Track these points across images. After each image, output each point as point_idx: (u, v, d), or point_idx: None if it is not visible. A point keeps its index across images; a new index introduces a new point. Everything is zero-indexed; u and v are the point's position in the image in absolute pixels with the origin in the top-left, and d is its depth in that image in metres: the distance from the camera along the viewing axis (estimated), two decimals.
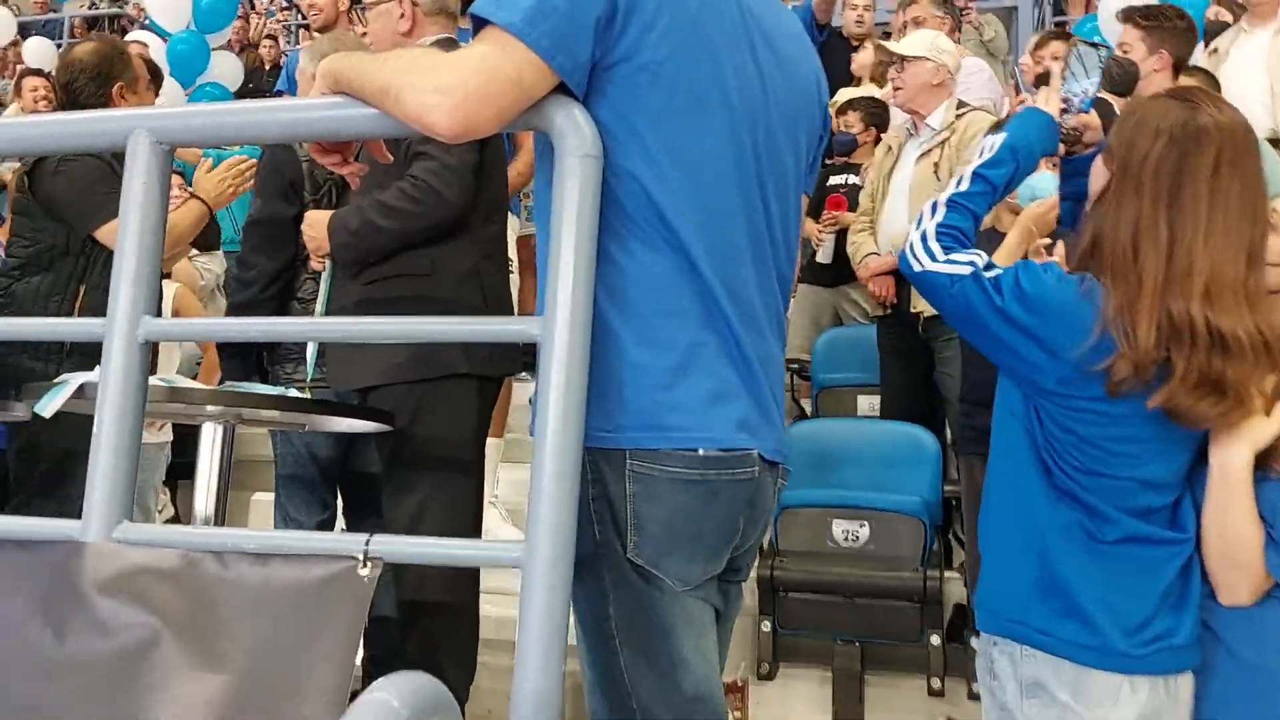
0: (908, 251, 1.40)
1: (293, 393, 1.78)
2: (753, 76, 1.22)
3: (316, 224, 2.06)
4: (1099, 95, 1.60)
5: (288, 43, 9.65)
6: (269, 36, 8.61)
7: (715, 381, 1.17)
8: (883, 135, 4.12)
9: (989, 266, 1.34)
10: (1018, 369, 1.36)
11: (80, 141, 1.42)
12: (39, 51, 9.42)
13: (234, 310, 2.61)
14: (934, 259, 1.36)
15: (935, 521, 2.95)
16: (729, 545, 1.22)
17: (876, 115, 4.38)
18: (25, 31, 10.41)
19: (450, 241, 2.00)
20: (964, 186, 1.42)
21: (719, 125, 1.18)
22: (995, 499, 1.43)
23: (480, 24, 1.11)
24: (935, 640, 2.73)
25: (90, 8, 11.81)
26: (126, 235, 1.25)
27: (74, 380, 1.47)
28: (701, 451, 1.15)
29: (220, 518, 1.82)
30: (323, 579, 1.10)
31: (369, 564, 1.10)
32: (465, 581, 2.08)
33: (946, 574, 2.88)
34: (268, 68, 7.69)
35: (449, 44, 2.17)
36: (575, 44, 1.10)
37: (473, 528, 2.09)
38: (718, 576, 1.24)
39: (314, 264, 2.33)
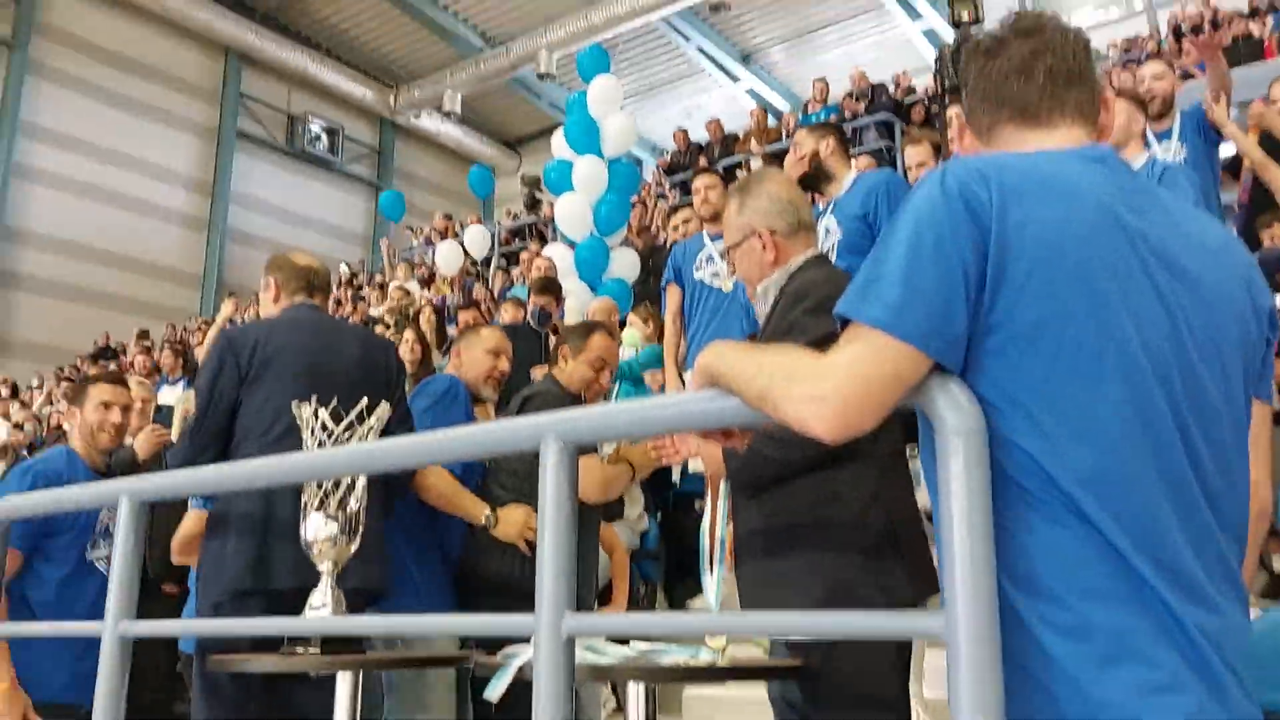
0: None
1: (704, 654, 1.81)
2: (1159, 317, 1.11)
3: (710, 458, 2.11)
4: None
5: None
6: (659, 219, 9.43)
7: (1153, 671, 1.02)
8: None
9: None
10: None
11: (498, 448, 1.62)
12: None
13: None
14: None
15: None
16: None
17: None
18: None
19: (847, 465, 1.94)
20: None
21: (1117, 381, 1.07)
22: None
23: (846, 321, 1.11)
24: None
25: (514, 219, 13.71)
26: (545, 533, 1.38)
27: (518, 659, 1.62)
28: None
29: None
30: None
31: None
32: None
33: None
34: (656, 248, 8.39)
35: (821, 262, 2.19)
36: (947, 323, 1.07)
37: None
38: None
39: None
